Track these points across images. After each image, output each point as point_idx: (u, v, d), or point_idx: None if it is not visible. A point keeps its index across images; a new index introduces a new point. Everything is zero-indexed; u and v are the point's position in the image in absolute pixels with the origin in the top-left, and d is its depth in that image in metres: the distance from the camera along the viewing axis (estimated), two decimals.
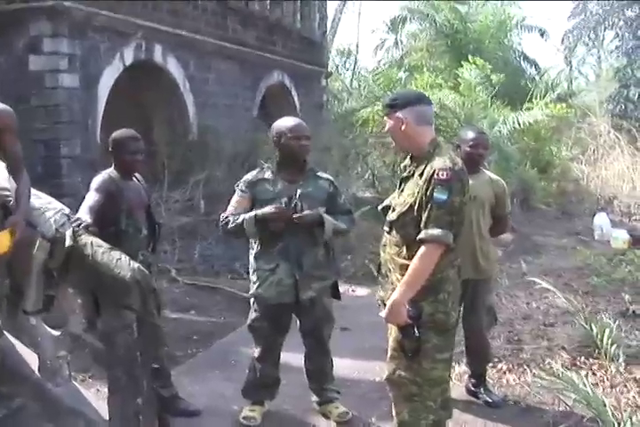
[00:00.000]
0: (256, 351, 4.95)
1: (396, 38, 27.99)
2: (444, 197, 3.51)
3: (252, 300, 4.94)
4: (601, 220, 13.42)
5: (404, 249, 3.69)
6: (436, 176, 3.54)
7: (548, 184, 16.90)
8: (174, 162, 12.53)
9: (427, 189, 3.56)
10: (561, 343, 6.23)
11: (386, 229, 3.84)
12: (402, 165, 3.95)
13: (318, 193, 4.77)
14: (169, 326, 6.95)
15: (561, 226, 14.39)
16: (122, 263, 3.73)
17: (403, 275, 3.60)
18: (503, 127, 14.69)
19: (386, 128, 3.89)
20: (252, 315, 4.91)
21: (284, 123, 4.78)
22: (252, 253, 4.86)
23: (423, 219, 3.56)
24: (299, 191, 4.68)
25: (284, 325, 4.90)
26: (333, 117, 20.03)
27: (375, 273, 9.08)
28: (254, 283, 4.82)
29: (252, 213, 4.62)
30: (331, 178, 4.99)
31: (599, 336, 5.79)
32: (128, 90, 12.09)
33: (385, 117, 3.90)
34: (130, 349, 3.66)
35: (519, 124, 14.92)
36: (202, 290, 8.68)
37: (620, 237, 12.23)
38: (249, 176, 4.85)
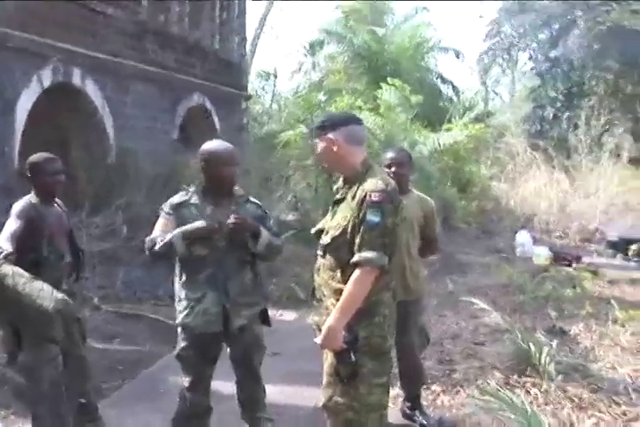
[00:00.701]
0: (185, 381, 4.78)
1: (313, 61, 27.99)
2: (376, 219, 3.46)
3: (179, 329, 4.78)
4: (522, 237, 13.69)
5: (338, 273, 3.62)
6: (368, 198, 3.49)
7: (468, 203, 17.09)
8: (93, 186, 12.26)
9: (359, 212, 3.51)
10: (492, 362, 6.24)
11: (319, 252, 3.77)
12: (334, 187, 3.88)
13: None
14: (92, 356, 6.71)
15: (482, 244, 14.59)
16: (44, 294, 3.56)
17: (337, 299, 3.52)
18: (423, 148, 14.78)
19: (317, 151, 3.81)
20: (180, 344, 4.74)
21: (213, 149, 4.60)
22: (177, 280, 4.71)
23: (356, 242, 3.50)
24: (230, 216, 4.55)
25: (213, 354, 4.75)
26: (253, 140, 19.97)
27: (302, 297, 9.11)
28: (180, 312, 4.65)
29: (180, 230, 4.44)
30: (258, 202, 4.88)
31: (537, 355, 5.79)
32: (46, 113, 11.78)
33: (316, 140, 3.81)
34: (55, 383, 3.49)
35: (439, 145, 15.04)
36: (125, 318, 8.43)
37: (542, 254, 12.52)
38: (174, 199, 4.69)
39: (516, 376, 5.84)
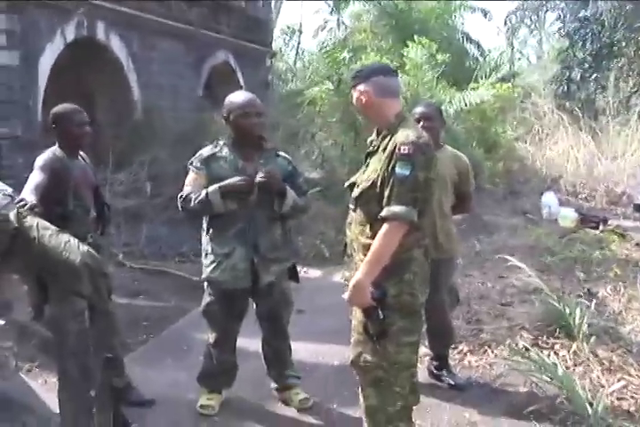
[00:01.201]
0: (211, 337, 4.75)
1: (338, 19, 27.69)
2: (406, 172, 3.36)
3: (205, 284, 4.73)
4: (548, 199, 13.46)
5: (368, 228, 3.53)
6: (397, 151, 3.39)
7: (495, 164, 16.86)
8: (118, 143, 12.20)
9: (389, 164, 3.42)
10: (521, 323, 6.14)
11: (351, 206, 3.68)
12: (368, 140, 3.75)
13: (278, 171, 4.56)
14: (117, 312, 6.72)
15: (509, 205, 14.38)
16: (71, 247, 3.51)
17: (366, 255, 3.44)
18: (449, 107, 14.55)
19: (353, 101, 3.73)
20: (206, 299, 4.69)
21: (234, 99, 4.55)
22: (204, 235, 4.65)
23: (385, 195, 3.41)
24: (260, 169, 4.45)
25: (241, 310, 4.70)
26: (279, 97, 19.80)
27: (327, 255, 9.04)
28: (207, 267, 4.59)
29: (216, 186, 4.37)
30: (289, 157, 4.79)
31: (569, 316, 5.68)
32: (70, 68, 11.70)
33: (351, 90, 3.74)
34: (82, 338, 3.44)
35: (465, 104, 14.81)
36: (150, 274, 8.42)
37: (569, 216, 12.29)
38: (204, 152, 4.60)
39: (545, 337, 5.76)
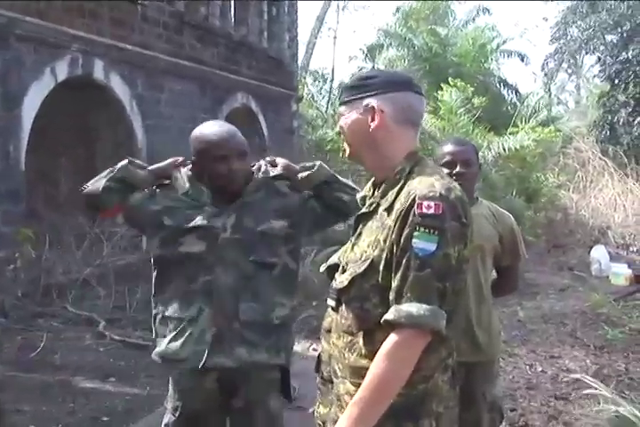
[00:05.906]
0: None
1: (373, 66, 27.27)
2: (430, 246, 2.01)
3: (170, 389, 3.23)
4: (598, 253, 12.22)
5: (360, 339, 2.17)
6: (416, 209, 2.04)
7: (536, 214, 15.63)
8: None
9: (400, 234, 2.06)
10: None
11: (330, 303, 2.30)
12: (358, 195, 2.40)
13: (272, 200, 3.18)
14: (77, 400, 5.51)
15: (553, 260, 13.11)
16: None
17: (359, 385, 2.08)
18: (487, 153, 13.56)
19: (341, 124, 2.30)
20: (171, 409, 3.17)
21: (205, 133, 3.17)
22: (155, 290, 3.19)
23: (394, 285, 2.05)
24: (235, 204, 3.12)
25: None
26: (307, 145, 19.01)
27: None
28: (164, 337, 3.11)
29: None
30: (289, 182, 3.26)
31: None
32: (67, 110, 10.67)
33: (342, 107, 2.31)
34: None
35: (504, 150, 13.82)
36: (130, 349, 6.98)
37: (621, 274, 11.08)
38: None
39: None
